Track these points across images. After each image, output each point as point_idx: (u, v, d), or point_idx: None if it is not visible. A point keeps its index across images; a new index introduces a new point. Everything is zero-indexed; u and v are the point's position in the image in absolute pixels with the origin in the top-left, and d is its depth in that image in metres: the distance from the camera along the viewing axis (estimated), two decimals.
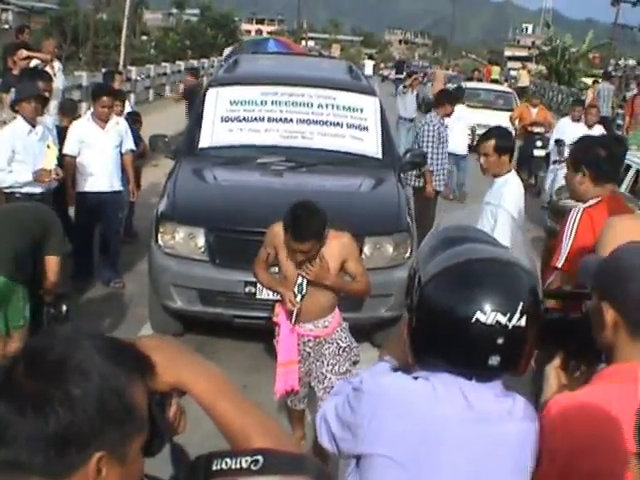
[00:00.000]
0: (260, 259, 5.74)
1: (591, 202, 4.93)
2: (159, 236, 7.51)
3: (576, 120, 14.21)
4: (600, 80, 30.46)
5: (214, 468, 1.59)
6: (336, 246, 5.37)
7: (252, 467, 1.55)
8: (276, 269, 5.88)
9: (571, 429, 2.31)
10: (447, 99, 11.21)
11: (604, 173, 5.03)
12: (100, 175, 9.00)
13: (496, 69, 53.99)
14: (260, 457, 1.56)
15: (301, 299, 5.40)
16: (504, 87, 31.83)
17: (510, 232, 6.43)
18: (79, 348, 1.47)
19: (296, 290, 5.41)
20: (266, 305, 7.08)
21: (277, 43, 24.45)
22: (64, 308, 7.11)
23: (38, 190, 7.67)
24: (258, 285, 7.16)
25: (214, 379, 1.74)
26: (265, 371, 7.27)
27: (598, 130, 13.16)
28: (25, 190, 7.55)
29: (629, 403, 2.26)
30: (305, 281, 5.41)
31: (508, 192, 6.46)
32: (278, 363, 5.74)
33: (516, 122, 18.07)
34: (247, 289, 7.24)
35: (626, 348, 2.41)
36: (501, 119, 20.73)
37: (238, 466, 1.56)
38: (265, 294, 7.17)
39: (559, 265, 4.87)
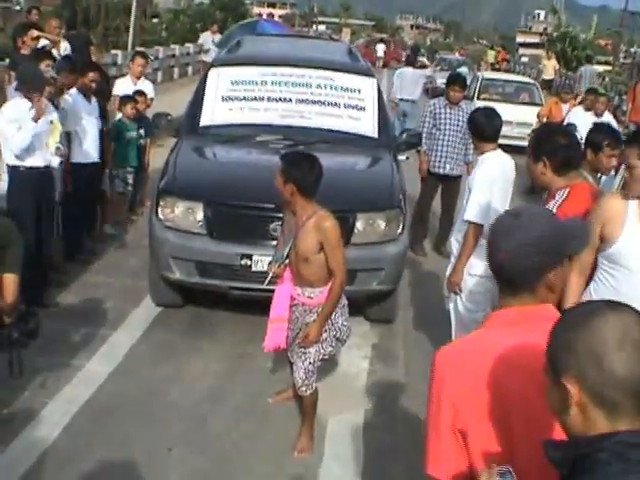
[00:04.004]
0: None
1: (559, 198, 5.01)
2: (159, 210, 7.75)
3: (587, 109, 14.17)
4: (585, 65, 30.27)
5: None
6: (315, 225, 5.58)
7: None
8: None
9: (456, 374, 2.50)
10: (451, 83, 11.11)
11: (566, 162, 5.10)
12: (90, 145, 9.46)
13: (491, 53, 53.90)
14: None
15: (278, 266, 5.82)
16: (526, 78, 29.53)
17: None
18: None
19: (277, 256, 5.87)
20: (261, 277, 7.31)
21: (270, 24, 24.36)
22: (31, 326, 7.22)
23: (42, 164, 7.86)
24: (254, 258, 7.42)
25: None
26: (259, 341, 7.49)
27: (606, 118, 13.17)
28: (29, 164, 7.73)
29: (511, 344, 2.47)
30: (286, 250, 5.77)
31: (480, 171, 6.62)
32: (269, 319, 6.05)
33: (544, 120, 16.07)
34: (243, 261, 7.48)
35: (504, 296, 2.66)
36: (525, 115, 19.83)
37: None
38: (260, 266, 7.42)
39: None
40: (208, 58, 24.19)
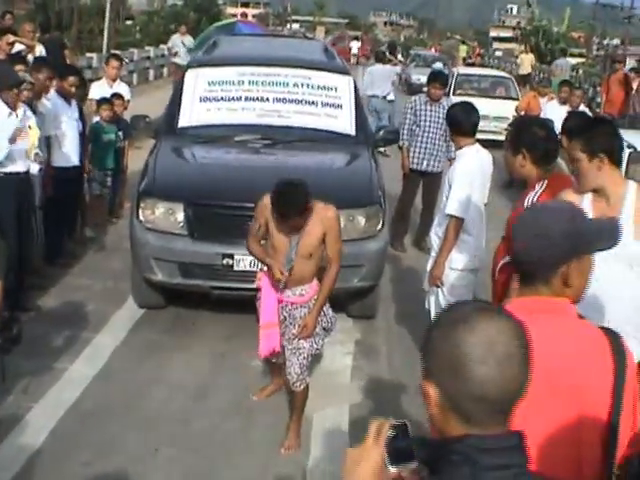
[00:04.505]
0: (252, 232, 5.98)
1: (538, 189, 5.07)
2: (140, 211, 7.77)
3: (562, 102, 14.20)
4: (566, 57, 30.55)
5: None
6: (320, 219, 5.65)
7: None
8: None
9: None
10: (431, 80, 11.13)
11: (544, 154, 5.16)
12: (70, 149, 9.37)
13: (463, 47, 54.50)
14: None
15: (289, 270, 5.69)
16: (501, 72, 29.76)
17: None
18: None
19: (285, 262, 5.71)
20: (243, 276, 7.39)
21: (247, 26, 24.20)
22: (15, 332, 7.28)
23: (22, 169, 7.82)
24: (235, 257, 7.45)
25: None
26: (242, 339, 7.59)
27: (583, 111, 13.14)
28: (8, 170, 7.68)
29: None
30: (293, 253, 5.71)
31: (459, 166, 6.68)
32: (260, 325, 6.04)
33: (522, 113, 16.15)
34: (225, 261, 7.52)
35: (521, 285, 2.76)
36: (501, 109, 19.89)
37: None
38: (242, 266, 7.47)
39: None
40: (178, 60, 23.90)
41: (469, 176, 6.61)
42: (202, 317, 8.27)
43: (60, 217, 9.37)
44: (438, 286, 6.76)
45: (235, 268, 7.50)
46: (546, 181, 5.09)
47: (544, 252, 2.64)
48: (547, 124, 5.76)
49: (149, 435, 6.04)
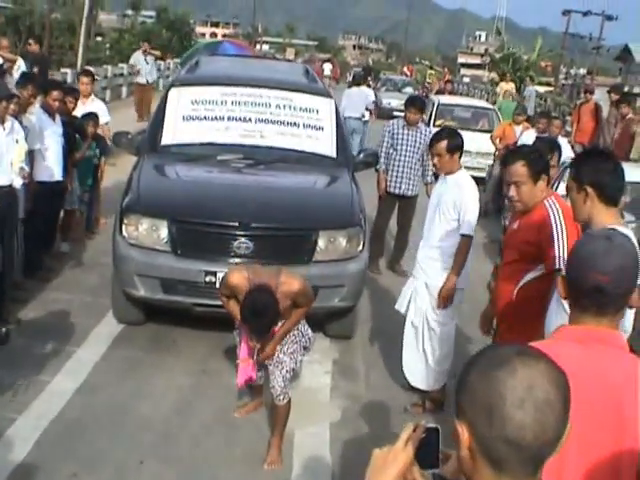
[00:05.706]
0: (223, 293, 6.20)
1: (551, 205, 5.18)
2: (123, 227, 7.83)
3: (541, 132, 14.23)
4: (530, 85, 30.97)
5: None
6: (286, 295, 5.82)
7: None
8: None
9: None
10: (408, 105, 11.28)
11: (547, 172, 5.35)
12: (54, 163, 9.40)
13: (430, 72, 55.63)
14: None
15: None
16: (484, 102, 27.83)
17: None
18: None
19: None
20: None
21: (234, 46, 24.19)
22: (3, 331, 7.38)
23: (6, 183, 7.87)
24: (218, 274, 7.52)
25: None
26: (223, 357, 7.68)
27: (562, 142, 13.19)
28: None
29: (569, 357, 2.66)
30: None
31: (467, 190, 6.81)
32: (239, 359, 6.28)
33: (497, 141, 16.00)
34: (207, 278, 7.59)
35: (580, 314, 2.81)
36: (485, 144, 18.40)
37: None
38: None
39: (562, 266, 4.80)
40: (141, 79, 23.70)
41: (477, 198, 6.87)
42: (182, 334, 8.32)
43: (41, 231, 9.41)
44: (446, 306, 6.89)
45: (217, 285, 7.57)
46: (553, 197, 5.26)
47: (631, 283, 2.67)
48: (528, 146, 6.02)
49: (133, 448, 6.10)
